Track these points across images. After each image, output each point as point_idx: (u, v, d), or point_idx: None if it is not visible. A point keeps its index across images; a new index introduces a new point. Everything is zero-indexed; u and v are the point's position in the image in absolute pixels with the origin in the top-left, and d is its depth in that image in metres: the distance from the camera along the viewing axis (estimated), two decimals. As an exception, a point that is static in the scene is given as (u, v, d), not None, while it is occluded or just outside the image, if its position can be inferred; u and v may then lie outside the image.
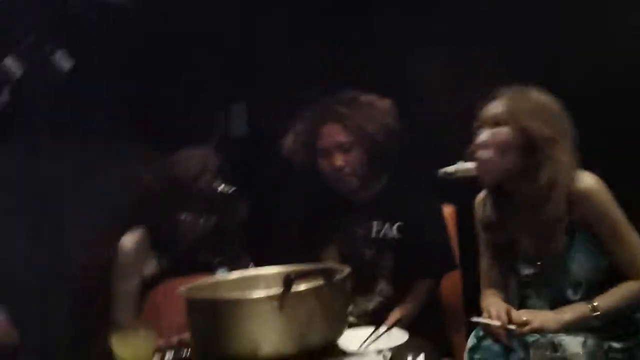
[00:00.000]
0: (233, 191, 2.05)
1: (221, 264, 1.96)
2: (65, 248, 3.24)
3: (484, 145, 1.80)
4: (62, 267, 3.10)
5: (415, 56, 2.77)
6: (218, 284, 1.64)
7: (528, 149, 1.76)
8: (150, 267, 2.12)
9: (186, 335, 1.71)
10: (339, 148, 2.15)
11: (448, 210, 2.41)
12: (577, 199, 1.75)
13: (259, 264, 1.84)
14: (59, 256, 3.26)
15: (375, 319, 1.97)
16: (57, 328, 3.10)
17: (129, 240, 2.12)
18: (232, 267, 1.93)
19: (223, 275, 1.84)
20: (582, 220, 1.76)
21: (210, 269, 2.07)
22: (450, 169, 2.14)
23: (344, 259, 2.22)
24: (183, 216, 2.09)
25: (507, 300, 1.87)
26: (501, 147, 1.78)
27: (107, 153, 2.50)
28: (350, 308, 2.21)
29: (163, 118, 3.06)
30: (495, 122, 1.79)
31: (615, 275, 1.76)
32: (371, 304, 2.20)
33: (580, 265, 1.77)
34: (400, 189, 2.24)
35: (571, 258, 1.78)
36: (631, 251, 1.75)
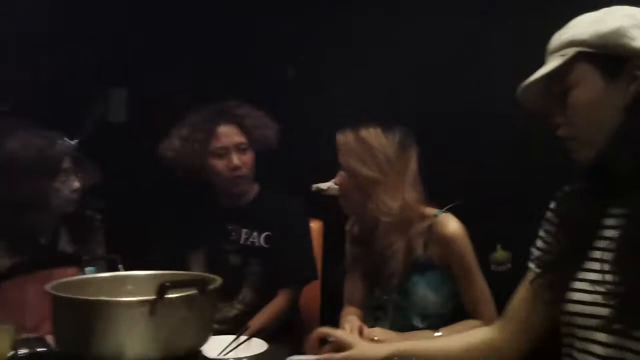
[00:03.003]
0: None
1: (89, 262, 1.92)
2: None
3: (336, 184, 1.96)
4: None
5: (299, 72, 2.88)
6: (86, 283, 1.61)
7: (357, 187, 1.89)
8: (3, 260, 2.02)
9: (45, 331, 1.67)
10: (236, 148, 2.22)
11: (316, 226, 2.52)
12: (440, 241, 1.87)
13: (126, 265, 1.83)
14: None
15: (236, 326, 2.02)
16: None
17: None
18: (100, 266, 1.90)
19: (91, 274, 1.82)
20: (439, 259, 1.89)
21: (73, 263, 2.03)
22: (323, 185, 2.28)
23: (210, 265, 2.25)
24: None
25: (364, 319, 1.96)
26: (341, 188, 1.94)
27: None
28: (212, 314, 2.27)
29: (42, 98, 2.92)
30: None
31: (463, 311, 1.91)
32: (233, 310, 2.25)
33: (429, 299, 1.90)
34: (270, 200, 2.31)
35: (421, 291, 1.90)
36: (476, 294, 1.88)
